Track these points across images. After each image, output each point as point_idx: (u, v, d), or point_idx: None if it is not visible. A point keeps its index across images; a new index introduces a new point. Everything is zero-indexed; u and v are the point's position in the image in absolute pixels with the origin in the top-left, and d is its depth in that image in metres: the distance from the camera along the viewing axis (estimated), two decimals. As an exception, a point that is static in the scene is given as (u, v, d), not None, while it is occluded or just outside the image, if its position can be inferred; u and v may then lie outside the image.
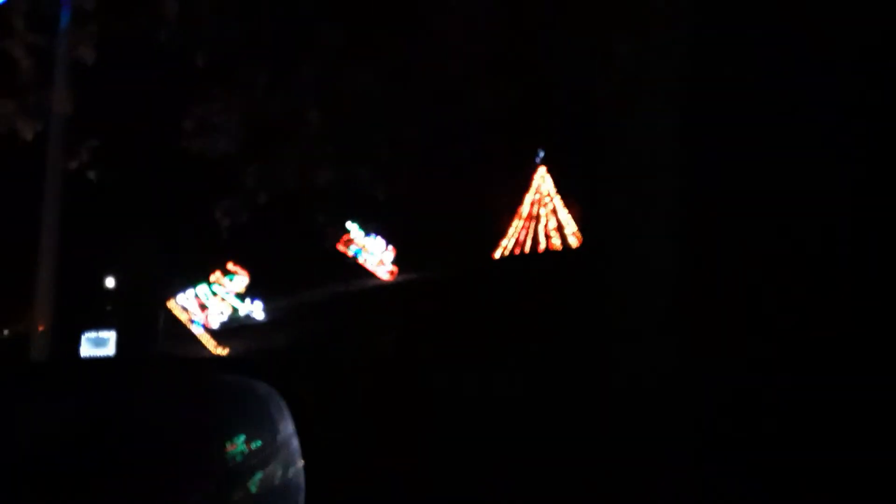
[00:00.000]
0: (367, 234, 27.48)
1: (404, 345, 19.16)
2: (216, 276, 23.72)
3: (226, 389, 2.60)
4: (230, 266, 24.03)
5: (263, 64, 6.21)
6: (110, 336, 21.62)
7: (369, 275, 27.22)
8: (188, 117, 6.02)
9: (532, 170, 31.40)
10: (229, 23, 5.77)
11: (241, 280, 24.03)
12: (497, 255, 30.55)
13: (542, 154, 31.49)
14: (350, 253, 27.38)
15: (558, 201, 30.90)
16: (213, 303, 22.19)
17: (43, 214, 6.46)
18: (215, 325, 22.17)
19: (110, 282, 26.97)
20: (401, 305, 24.65)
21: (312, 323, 23.74)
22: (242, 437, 2.49)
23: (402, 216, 26.71)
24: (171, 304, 22.33)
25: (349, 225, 27.34)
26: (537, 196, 31.24)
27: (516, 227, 31.01)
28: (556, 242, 30.27)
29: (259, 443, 2.57)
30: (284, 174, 6.74)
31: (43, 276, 6.54)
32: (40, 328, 6.62)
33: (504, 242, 30.81)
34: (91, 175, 5.64)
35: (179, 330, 22.02)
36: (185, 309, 22.15)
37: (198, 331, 21.91)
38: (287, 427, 2.65)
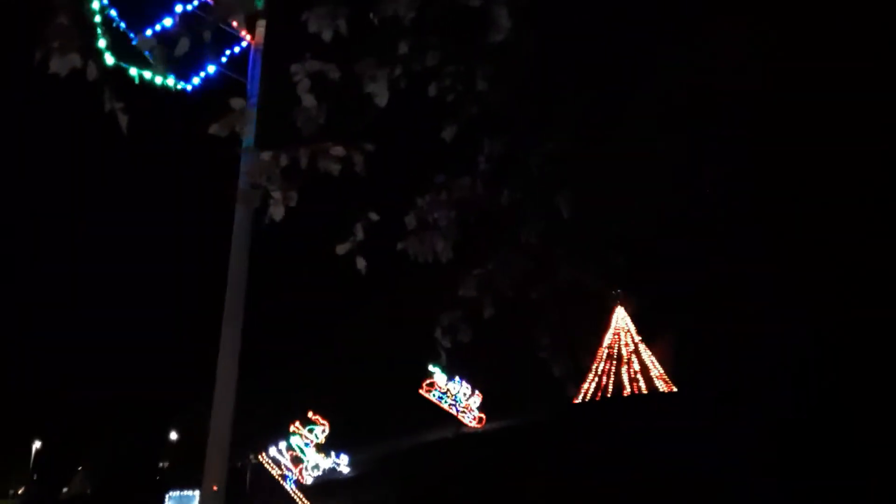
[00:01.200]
0: (451, 378, 25.61)
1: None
2: (296, 426, 21.62)
3: None
4: (311, 415, 21.98)
5: (493, 143, 4.80)
6: (195, 494, 19.25)
7: (457, 421, 25.10)
8: (410, 211, 4.53)
9: (610, 307, 30.07)
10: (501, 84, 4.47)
11: (322, 431, 21.91)
12: (579, 399, 28.57)
13: (619, 292, 30.29)
14: (434, 398, 25.40)
15: (639, 343, 29.34)
16: (308, 456, 19.98)
17: (219, 357, 5.03)
18: (309, 481, 19.84)
19: (173, 434, 24.74)
20: (492, 457, 22.45)
21: (403, 478, 21.45)
22: None
23: (488, 358, 25.07)
24: (262, 457, 20.08)
25: (431, 368, 25.53)
26: (616, 336, 29.68)
27: (596, 369, 29.22)
28: (642, 386, 28.38)
29: None
30: (502, 283, 5.17)
31: (216, 427, 5.01)
32: (214, 488, 5.11)
33: (585, 386, 28.91)
34: (360, 264, 4.00)
35: (269, 485, 19.66)
36: (276, 463, 19.89)
37: (290, 488, 19.55)
38: None
